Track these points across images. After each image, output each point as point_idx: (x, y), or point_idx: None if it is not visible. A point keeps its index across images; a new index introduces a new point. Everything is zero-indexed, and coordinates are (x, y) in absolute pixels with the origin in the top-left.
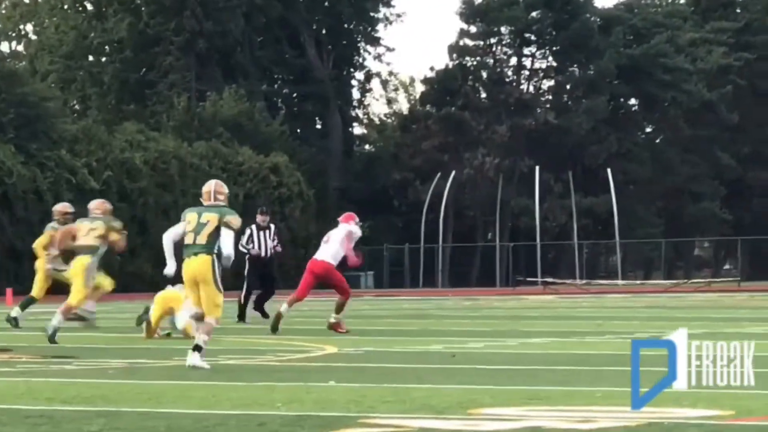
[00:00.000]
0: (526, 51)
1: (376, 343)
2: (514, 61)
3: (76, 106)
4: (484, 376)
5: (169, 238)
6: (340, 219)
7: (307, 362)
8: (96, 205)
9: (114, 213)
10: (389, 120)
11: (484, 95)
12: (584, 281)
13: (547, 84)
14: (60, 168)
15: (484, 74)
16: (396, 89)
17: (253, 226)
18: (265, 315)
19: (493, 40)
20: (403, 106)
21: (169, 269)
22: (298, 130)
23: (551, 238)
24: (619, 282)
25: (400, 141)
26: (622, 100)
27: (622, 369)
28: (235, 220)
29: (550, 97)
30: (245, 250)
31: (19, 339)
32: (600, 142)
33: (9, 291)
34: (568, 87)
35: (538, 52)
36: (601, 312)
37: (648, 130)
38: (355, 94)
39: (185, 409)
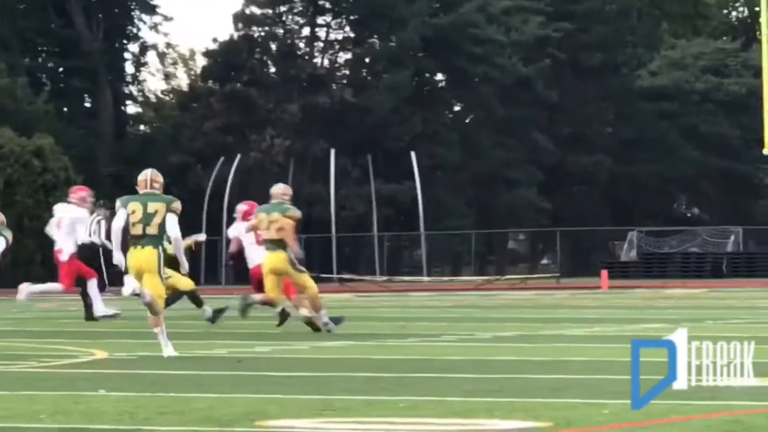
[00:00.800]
0: (320, 20)
1: (151, 347)
2: (306, 31)
3: None
4: (273, 384)
5: (117, 230)
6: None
7: (74, 369)
8: (283, 190)
9: None
10: (167, 98)
11: (273, 70)
12: (385, 278)
13: (343, 57)
14: None
15: (274, 46)
16: (174, 63)
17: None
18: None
19: (283, 8)
20: (182, 82)
21: (118, 260)
22: (65, 109)
23: (348, 229)
24: (425, 278)
25: (180, 121)
26: (428, 75)
27: (427, 376)
28: (179, 205)
29: (347, 72)
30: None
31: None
32: (403, 122)
33: None
34: (367, 61)
35: (333, 22)
36: (404, 312)
37: (456, 109)
38: (129, 68)
39: None
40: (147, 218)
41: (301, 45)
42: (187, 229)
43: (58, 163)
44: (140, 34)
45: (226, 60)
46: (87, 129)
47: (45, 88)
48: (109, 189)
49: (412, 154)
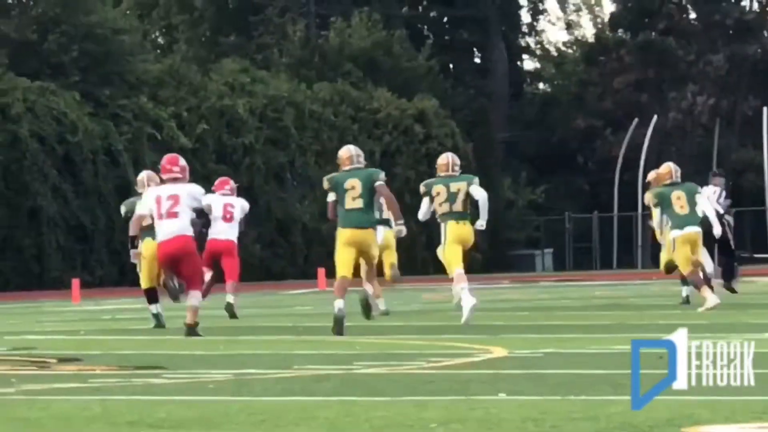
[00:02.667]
0: None
1: (558, 343)
2: None
3: (159, 40)
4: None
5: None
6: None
7: (468, 369)
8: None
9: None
10: (569, 51)
11: (693, 16)
12: None
13: None
14: (140, 120)
15: None
16: (578, 10)
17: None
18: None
19: None
20: (587, 31)
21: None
22: (451, 66)
23: None
24: None
25: (585, 78)
26: None
27: None
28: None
29: None
30: None
31: (89, 345)
32: None
33: (76, 282)
34: None
35: None
36: None
37: None
38: (525, 17)
39: None
40: (451, 197)
41: None
42: (598, 205)
43: (443, 129)
44: None
45: (638, 5)
46: (476, 89)
47: (427, 42)
48: (502, 157)
49: None
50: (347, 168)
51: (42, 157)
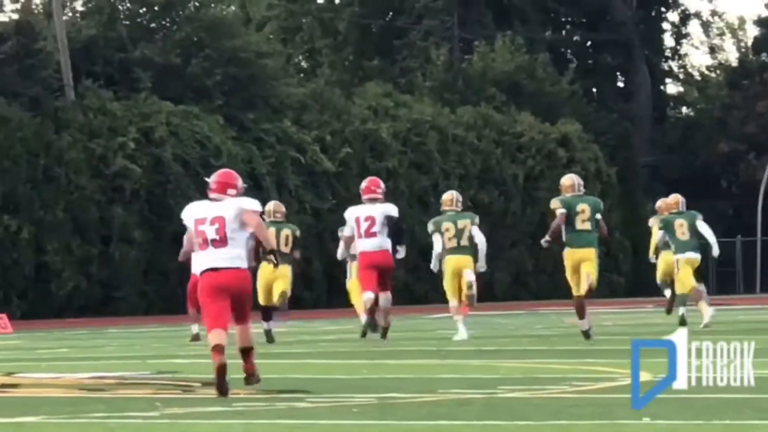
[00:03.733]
0: None
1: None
2: None
3: (303, 64)
4: None
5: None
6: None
7: (612, 393)
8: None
9: (354, 202)
10: (713, 74)
11: None
12: None
13: None
14: (283, 144)
15: None
16: (721, 34)
17: None
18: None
19: None
20: (730, 55)
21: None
22: (594, 90)
23: None
24: None
25: (728, 102)
26: None
27: None
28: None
29: None
30: None
31: (232, 369)
32: None
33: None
34: None
35: None
36: None
37: None
38: (668, 40)
39: None
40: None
41: None
42: (740, 230)
43: (587, 153)
44: (681, 0)
45: None
46: (620, 113)
47: (570, 66)
48: (645, 181)
49: None
50: (570, 194)
51: (186, 181)
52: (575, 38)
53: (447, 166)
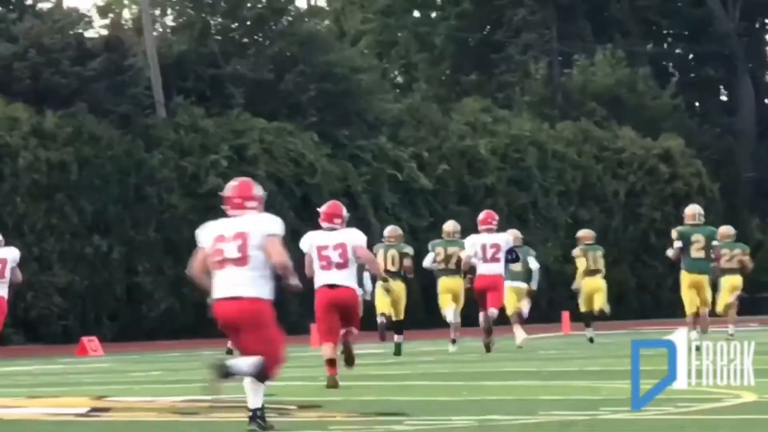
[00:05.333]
0: None
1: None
2: None
3: (399, 79)
4: None
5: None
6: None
7: (718, 414)
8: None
9: (452, 218)
10: None
11: None
12: None
13: None
14: (380, 161)
15: None
16: None
17: None
18: None
19: None
20: None
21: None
22: (697, 104)
23: None
24: None
25: None
26: None
27: None
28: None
29: None
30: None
31: (329, 391)
32: None
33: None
34: None
35: None
36: None
37: None
38: None
39: None
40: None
41: None
42: None
43: (690, 169)
44: None
45: None
46: (723, 127)
47: (672, 79)
48: (750, 197)
49: None
50: (691, 223)
51: (279, 198)
52: (677, 51)
53: (546, 183)
